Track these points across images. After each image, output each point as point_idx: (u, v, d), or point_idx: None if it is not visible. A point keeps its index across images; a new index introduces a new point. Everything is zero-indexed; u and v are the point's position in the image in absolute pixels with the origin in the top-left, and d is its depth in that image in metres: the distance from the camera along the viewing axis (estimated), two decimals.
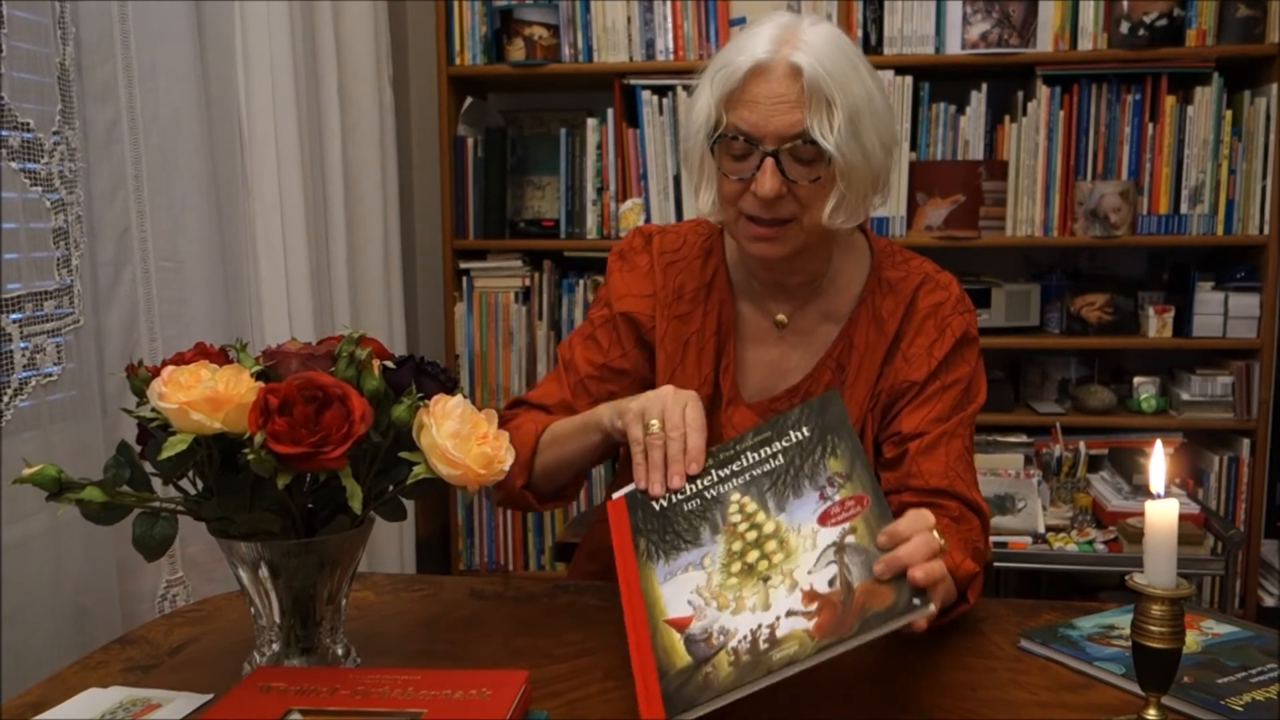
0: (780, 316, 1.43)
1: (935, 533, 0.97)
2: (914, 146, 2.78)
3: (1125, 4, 2.65)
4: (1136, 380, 2.82)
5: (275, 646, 1.05)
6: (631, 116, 2.87)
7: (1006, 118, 2.76)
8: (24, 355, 1.51)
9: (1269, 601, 2.74)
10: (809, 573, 0.98)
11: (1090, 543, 2.42)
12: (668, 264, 1.46)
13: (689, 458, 1.16)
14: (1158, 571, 0.90)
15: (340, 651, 1.07)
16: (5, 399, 1.47)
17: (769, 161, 1.25)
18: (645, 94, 2.80)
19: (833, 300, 1.43)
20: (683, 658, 0.96)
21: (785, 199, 1.27)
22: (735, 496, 1.11)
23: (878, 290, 1.41)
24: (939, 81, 2.80)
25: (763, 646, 0.94)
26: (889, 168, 1.33)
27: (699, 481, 1.14)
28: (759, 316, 1.45)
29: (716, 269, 1.46)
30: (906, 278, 1.42)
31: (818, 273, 1.42)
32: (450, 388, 1.04)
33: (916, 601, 0.91)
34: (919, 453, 1.33)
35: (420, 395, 1.00)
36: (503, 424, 1.47)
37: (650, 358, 1.45)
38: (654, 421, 1.19)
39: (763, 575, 1.01)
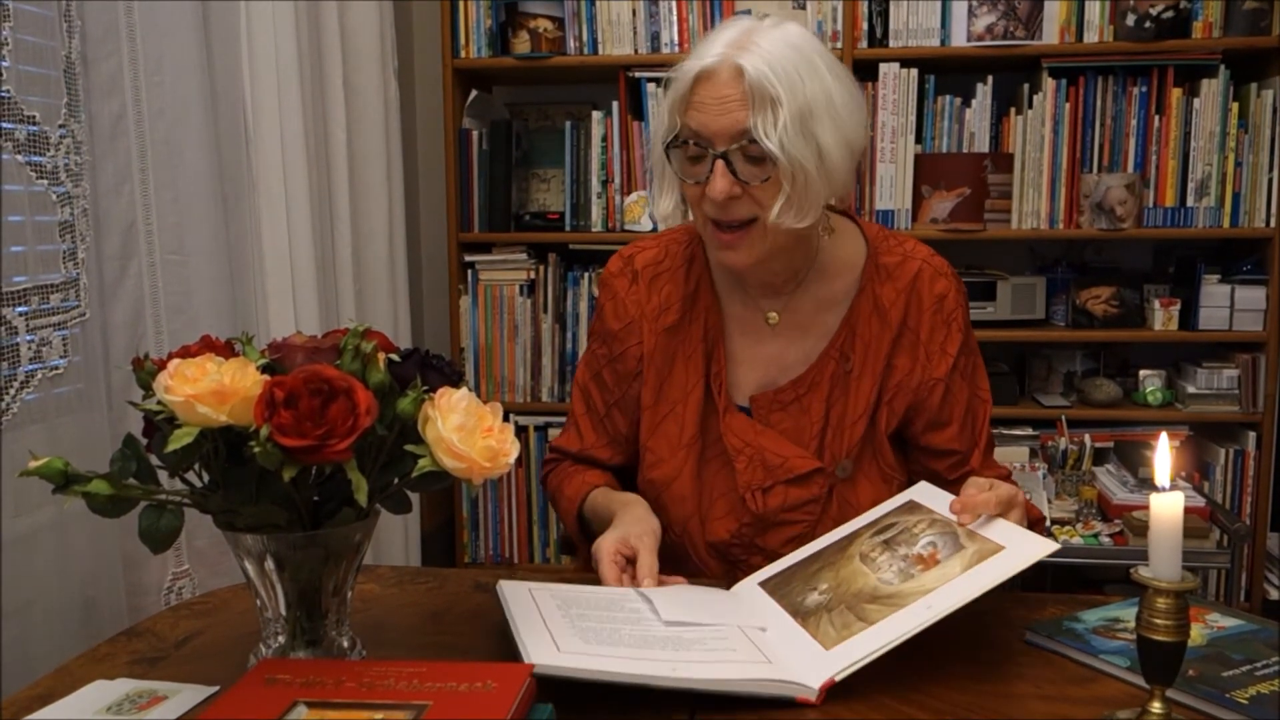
0: (772, 315, 1.44)
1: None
2: (919, 139, 2.77)
3: None
4: (1142, 373, 2.82)
5: (281, 639, 1.05)
6: (637, 109, 2.87)
7: (1012, 110, 2.75)
8: (30, 348, 1.51)
9: (1274, 595, 2.74)
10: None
11: (1095, 536, 2.42)
12: (652, 278, 1.48)
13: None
14: (1163, 565, 0.90)
15: (346, 644, 1.07)
16: (11, 392, 1.48)
17: (719, 163, 1.27)
18: (650, 86, 2.79)
19: (826, 289, 1.44)
20: None
21: (741, 200, 1.29)
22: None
23: (876, 277, 1.42)
24: (945, 74, 2.80)
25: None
26: (851, 168, 1.33)
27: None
28: (751, 313, 1.46)
29: (700, 276, 1.47)
30: (903, 263, 1.43)
31: (802, 265, 1.43)
32: (455, 381, 1.04)
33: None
34: (983, 468, 1.43)
35: (425, 388, 1.00)
36: (545, 476, 1.56)
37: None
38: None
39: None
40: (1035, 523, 1.31)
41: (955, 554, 1.12)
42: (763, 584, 1.23)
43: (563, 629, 1.08)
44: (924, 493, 1.28)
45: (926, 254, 1.45)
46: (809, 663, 1.05)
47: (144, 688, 1.06)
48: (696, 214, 1.35)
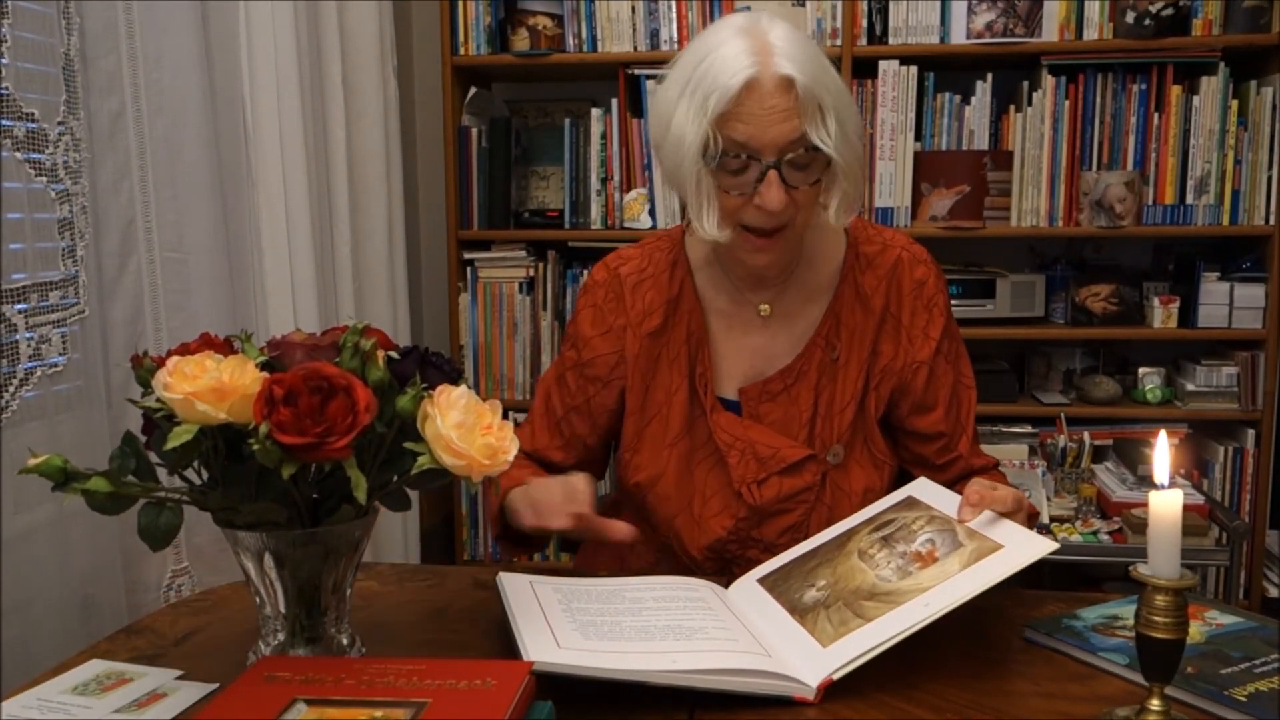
0: (764, 307, 1.46)
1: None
2: (919, 137, 2.77)
3: None
4: (1141, 371, 2.82)
5: (280, 636, 1.05)
6: (636, 107, 2.87)
7: (1012, 108, 2.75)
8: (29, 346, 1.51)
9: (1273, 592, 2.74)
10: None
11: (1095, 533, 2.42)
12: (635, 285, 1.49)
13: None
14: (1161, 562, 0.90)
15: (345, 641, 1.07)
16: (11, 390, 1.48)
17: (772, 174, 1.26)
18: (650, 84, 2.79)
19: (811, 280, 1.46)
20: None
21: (787, 206, 1.29)
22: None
23: (857, 266, 1.45)
24: (944, 72, 2.80)
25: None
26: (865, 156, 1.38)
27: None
28: (738, 307, 1.47)
29: (683, 280, 1.48)
30: (883, 251, 1.46)
31: (792, 259, 1.44)
32: (455, 378, 1.04)
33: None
34: (970, 454, 1.46)
35: (425, 386, 1.00)
36: None
37: (621, 388, 1.48)
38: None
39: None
40: (1029, 518, 1.33)
41: (954, 552, 1.12)
42: (761, 580, 1.24)
43: (563, 623, 1.08)
44: (923, 489, 1.29)
45: (905, 242, 1.48)
46: (807, 660, 1.05)
47: (114, 669, 1.09)
48: (728, 223, 1.32)
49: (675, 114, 1.29)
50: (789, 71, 1.24)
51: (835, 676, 1.02)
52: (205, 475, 1.00)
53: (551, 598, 1.16)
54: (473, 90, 2.94)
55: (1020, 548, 1.09)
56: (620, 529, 1.27)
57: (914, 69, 2.73)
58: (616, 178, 2.88)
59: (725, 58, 1.26)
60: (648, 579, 1.27)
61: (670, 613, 1.13)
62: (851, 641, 1.05)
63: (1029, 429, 2.78)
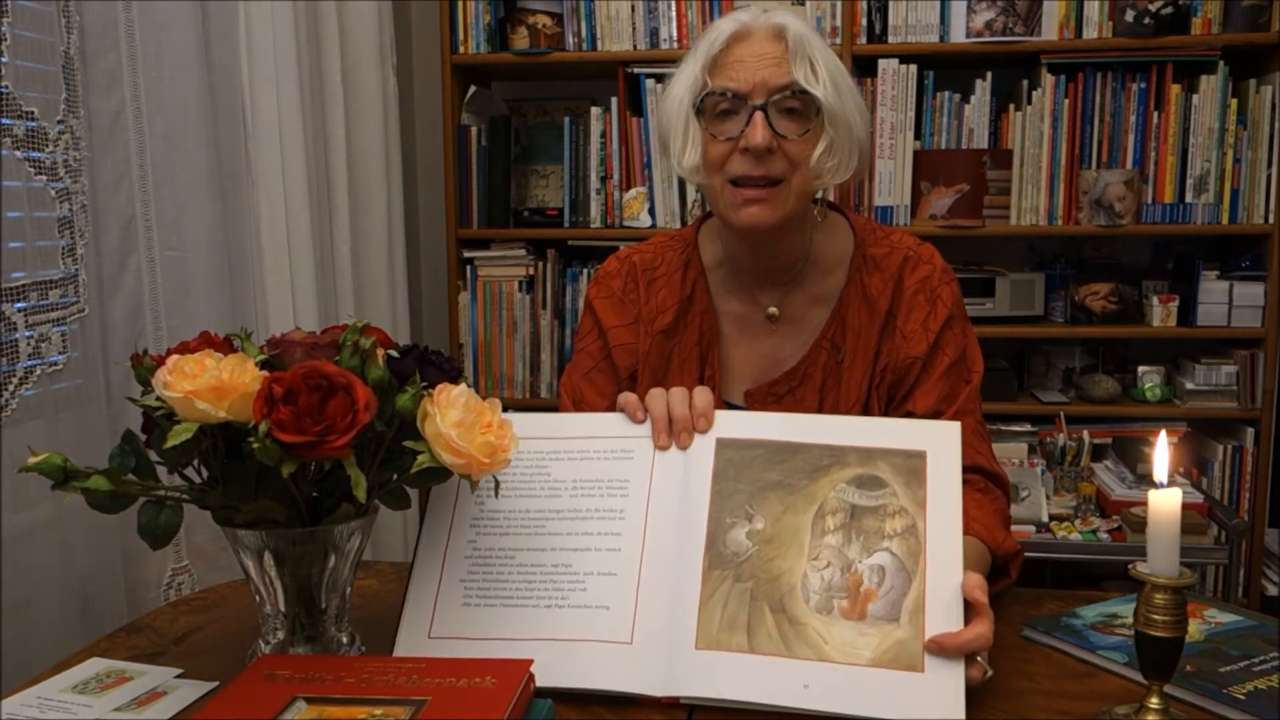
0: (772, 310, 1.45)
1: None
2: (918, 135, 2.77)
3: None
4: (1141, 369, 2.82)
5: (280, 634, 1.05)
6: (635, 105, 2.87)
7: (1011, 106, 2.75)
8: (29, 344, 1.51)
9: (1272, 591, 2.74)
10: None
11: (1094, 532, 2.42)
12: (649, 281, 1.49)
13: (697, 413, 1.18)
14: (1161, 560, 0.90)
15: (345, 639, 1.07)
16: (10, 388, 1.48)
17: (758, 115, 1.29)
18: (649, 83, 2.79)
19: (819, 283, 1.45)
20: None
21: (775, 155, 1.31)
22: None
23: (864, 268, 1.44)
24: (943, 70, 2.80)
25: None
26: (866, 148, 1.39)
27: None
28: (748, 310, 1.47)
29: (695, 280, 1.48)
30: (890, 253, 1.44)
31: (800, 255, 1.44)
32: (454, 377, 1.05)
33: None
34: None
35: (424, 384, 1.01)
36: None
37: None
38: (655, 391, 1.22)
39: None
40: (1011, 555, 1.26)
41: (886, 619, 1.03)
42: (722, 442, 1.16)
43: (450, 587, 1.11)
44: (942, 450, 1.11)
45: (912, 244, 1.47)
46: (669, 658, 1.03)
47: (114, 667, 1.09)
48: (716, 177, 1.34)
49: (680, 73, 1.36)
50: (780, 21, 1.31)
51: (682, 700, 1.01)
52: (205, 474, 1.00)
53: (458, 557, 1.15)
54: (472, 89, 2.94)
55: (930, 690, 0.98)
56: None
57: (914, 67, 2.73)
58: (616, 176, 2.88)
59: (724, 18, 1.36)
60: (589, 436, 1.23)
61: (579, 525, 1.13)
62: (719, 669, 1.01)
63: (1028, 427, 2.78)
